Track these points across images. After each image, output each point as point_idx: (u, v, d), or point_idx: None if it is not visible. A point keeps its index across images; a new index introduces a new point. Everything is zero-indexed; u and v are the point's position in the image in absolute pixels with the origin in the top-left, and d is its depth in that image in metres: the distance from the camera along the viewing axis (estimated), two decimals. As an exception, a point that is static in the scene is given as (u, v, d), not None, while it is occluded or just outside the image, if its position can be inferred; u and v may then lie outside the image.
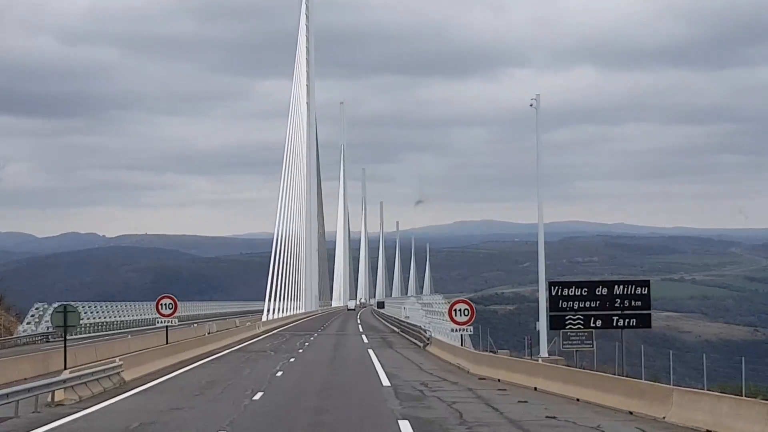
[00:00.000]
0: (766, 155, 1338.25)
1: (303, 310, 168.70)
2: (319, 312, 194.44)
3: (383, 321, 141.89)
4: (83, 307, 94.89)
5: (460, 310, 55.19)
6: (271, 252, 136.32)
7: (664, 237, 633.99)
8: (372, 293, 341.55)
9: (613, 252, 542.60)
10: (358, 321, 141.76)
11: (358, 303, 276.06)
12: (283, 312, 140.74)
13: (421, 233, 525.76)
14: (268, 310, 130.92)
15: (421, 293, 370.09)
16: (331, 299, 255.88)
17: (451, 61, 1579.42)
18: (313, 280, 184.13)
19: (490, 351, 67.52)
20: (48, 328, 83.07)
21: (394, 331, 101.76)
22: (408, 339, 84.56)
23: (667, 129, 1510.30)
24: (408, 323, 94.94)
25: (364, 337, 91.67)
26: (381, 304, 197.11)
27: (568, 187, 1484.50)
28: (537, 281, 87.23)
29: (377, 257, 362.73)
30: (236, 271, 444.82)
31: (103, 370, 41.51)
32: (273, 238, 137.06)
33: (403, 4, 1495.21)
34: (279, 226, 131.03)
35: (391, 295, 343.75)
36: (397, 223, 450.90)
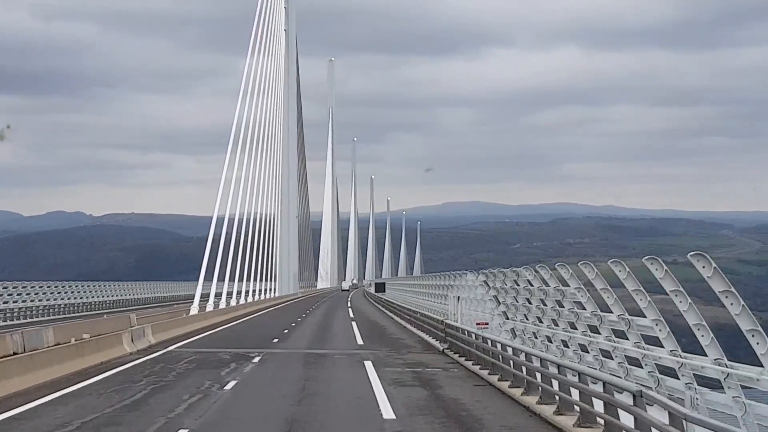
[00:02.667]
0: (753, 138, 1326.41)
1: (277, 294, 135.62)
2: (299, 295, 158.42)
3: (388, 312, 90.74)
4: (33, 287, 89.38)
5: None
6: (234, 231, 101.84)
7: (654, 219, 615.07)
8: (362, 274, 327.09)
9: (605, 233, 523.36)
10: (351, 314, 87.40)
11: (351, 284, 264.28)
12: (244, 297, 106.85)
13: (409, 214, 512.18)
14: (219, 296, 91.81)
15: (412, 274, 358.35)
16: (317, 280, 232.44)
17: (435, 41, 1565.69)
18: (292, 261, 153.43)
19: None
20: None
21: (425, 342, 49.53)
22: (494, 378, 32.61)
23: (654, 111, 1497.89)
24: (460, 329, 41.51)
25: (369, 370, 36.14)
26: (381, 286, 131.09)
27: (557, 168, 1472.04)
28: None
29: (366, 237, 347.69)
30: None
31: None
32: (237, 218, 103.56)
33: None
34: (246, 205, 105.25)
35: (381, 276, 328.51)
36: (388, 200, 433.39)
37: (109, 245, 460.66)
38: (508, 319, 36.60)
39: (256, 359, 40.06)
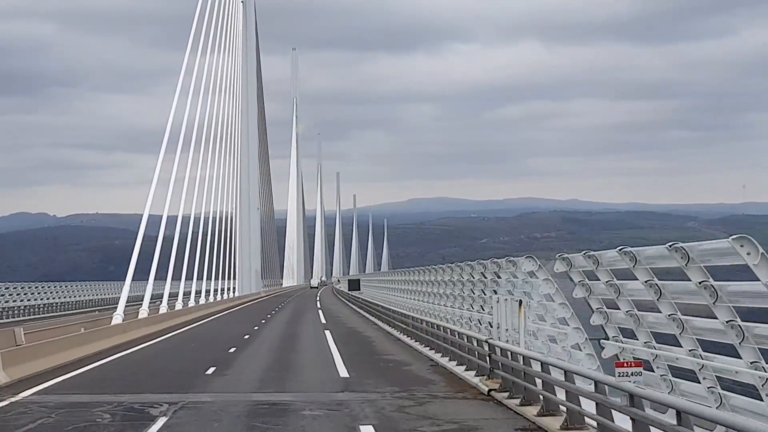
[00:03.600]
0: (713, 131, 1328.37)
1: (237, 293, 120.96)
2: (262, 295, 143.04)
3: (368, 316, 72.04)
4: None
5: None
6: (189, 230, 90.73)
7: (620, 212, 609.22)
8: (329, 271, 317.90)
9: (571, 227, 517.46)
10: (322, 319, 70.14)
11: (319, 281, 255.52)
12: (194, 298, 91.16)
13: (375, 210, 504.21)
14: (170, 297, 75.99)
15: (379, 270, 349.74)
16: (282, 278, 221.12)
17: (396, 37, 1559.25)
18: (254, 258, 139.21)
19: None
20: None
21: (445, 371, 31.44)
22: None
23: (616, 105, 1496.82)
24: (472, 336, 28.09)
25: None
26: (355, 284, 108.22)
27: (521, 163, 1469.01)
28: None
29: (333, 235, 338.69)
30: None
31: None
32: (192, 216, 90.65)
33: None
34: (204, 202, 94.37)
35: (348, 272, 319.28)
36: (354, 196, 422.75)
37: (73, 246, 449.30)
38: (608, 339, 20.42)
39: (159, 423, 21.23)
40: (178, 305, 78.45)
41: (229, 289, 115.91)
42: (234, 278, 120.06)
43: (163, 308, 71.03)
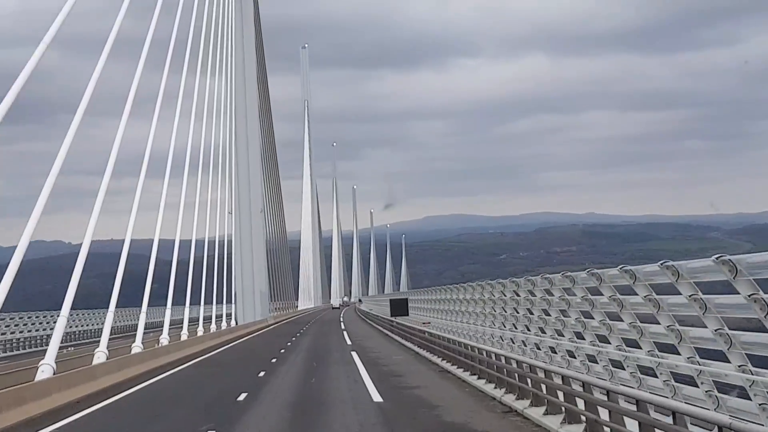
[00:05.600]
0: (726, 140, 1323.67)
1: (239, 321, 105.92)
2: (269, 322, 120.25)
3: (423, 353, 51.01)
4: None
5: None
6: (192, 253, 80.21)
7: (640, 224, 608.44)
8: (347, 291, 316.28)
9: (591, 241, 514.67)
10: (374, 395, 32.07)
11: (341, 301, 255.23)
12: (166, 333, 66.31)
13: (391, 229, 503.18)
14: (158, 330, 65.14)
15: (399, 289, 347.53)
16: (297, 300, 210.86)
17: (400, 53, 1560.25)
18: (258, 278, 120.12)
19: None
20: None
21: None
22: None
23: (625, 116, 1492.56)
24: None
25: None
26: (401, 307, 74.00)
27: (534, 178, 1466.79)
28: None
29: (350, 255, 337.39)
30: (200, 273, 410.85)
31: None
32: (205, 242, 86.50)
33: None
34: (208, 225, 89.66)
35: (368, 294, 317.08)
36: (371, 212, 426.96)
37: (87, 272, 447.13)
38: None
39: None
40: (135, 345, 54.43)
41: (228, 316, 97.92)
42: (230, 302, 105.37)
43: (137, 347, 52.46)
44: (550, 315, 26.72)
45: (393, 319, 74.45)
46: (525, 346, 30.66)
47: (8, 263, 36.00)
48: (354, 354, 53.48)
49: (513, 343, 32.47)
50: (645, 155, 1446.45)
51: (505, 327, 33.87)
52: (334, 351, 58.26)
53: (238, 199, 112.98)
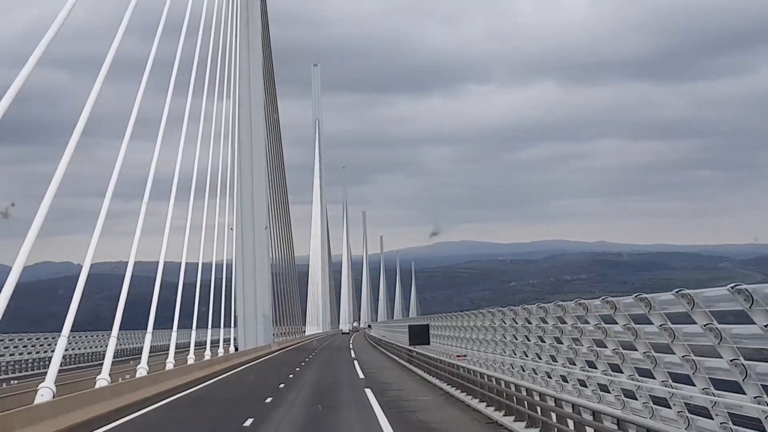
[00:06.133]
0: (737, 171, 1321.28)
1: (238, 347, 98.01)
2: (273, 348, 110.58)
3: (454, 392, 42.01)
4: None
5: None
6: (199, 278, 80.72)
7: (650, 253, 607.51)
8: (356, 316, 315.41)
9: (601, 269, 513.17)
10: None
11: (351, 326, 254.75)
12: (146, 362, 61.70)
13: (400, 254, 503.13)
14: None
15: (408, 315, 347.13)
16: (305, 325, 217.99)
17: (410, 79, 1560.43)
18: (261, 300, 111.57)
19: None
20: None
21: None
22: None
23: (636, 145, 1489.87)
24: None
25: None
26: (421, 334, 66.85)
27: (544, 205, 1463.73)
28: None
29: (359, 279, 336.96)
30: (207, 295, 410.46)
31: None
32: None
33: (357, 19, 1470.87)
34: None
35: (376, 319, 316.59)
36: (381, 237, 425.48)
37: (95, 294, 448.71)
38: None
39: None
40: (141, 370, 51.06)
41: (227, 341, 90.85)
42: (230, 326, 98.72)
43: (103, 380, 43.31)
44: (562, 343, 26.45)
45: (412, 348, 66.87)
46: (536, 374, 30.40)
47: (19, 283, 34.78)
48: (369, 392, 44.13)
49: (536, 374, 31.91)
50: (655, 184, 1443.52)
51: (515, 355, 33.38)
52: (344, 388, 49.35)
53: (241, 214, 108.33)
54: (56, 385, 35.26)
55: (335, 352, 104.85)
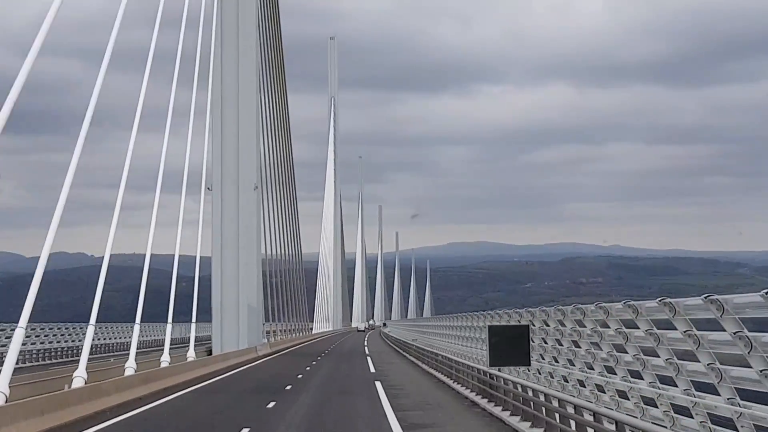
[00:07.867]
0: (753, 177, 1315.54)
1: (221, 350, 79.38)
2: (259, 354, 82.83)
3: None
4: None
5: None
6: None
7: (666, 258, 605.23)
8: (370, 314, 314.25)
9: (618, 273, 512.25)
10: None
11: (367, 325, 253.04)
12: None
13: (416, 254, 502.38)
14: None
15: (422, 314, 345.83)
16: (312, 322, 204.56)
17: (424, 77, 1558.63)
18: (245, 289, 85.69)
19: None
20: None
21: None
22: None
23: (651, 149, 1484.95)
24: None
25: None
26: (514, 342, 29.20)
27: (559, 208, 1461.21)
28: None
29: (373, 278, 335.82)
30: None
31: None
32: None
33: (371, 16, 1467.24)
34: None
35: (390, 317, 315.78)
36: (397, 234, 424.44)
37: (106, 286, 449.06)
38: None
39: None
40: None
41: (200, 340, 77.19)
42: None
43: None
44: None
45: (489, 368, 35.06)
46: (552, 377, 29.61)
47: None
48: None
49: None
50: (670, 189, 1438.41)
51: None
52: None
53: (221, 167, 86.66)
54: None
55: (345, 360, 78.39)
